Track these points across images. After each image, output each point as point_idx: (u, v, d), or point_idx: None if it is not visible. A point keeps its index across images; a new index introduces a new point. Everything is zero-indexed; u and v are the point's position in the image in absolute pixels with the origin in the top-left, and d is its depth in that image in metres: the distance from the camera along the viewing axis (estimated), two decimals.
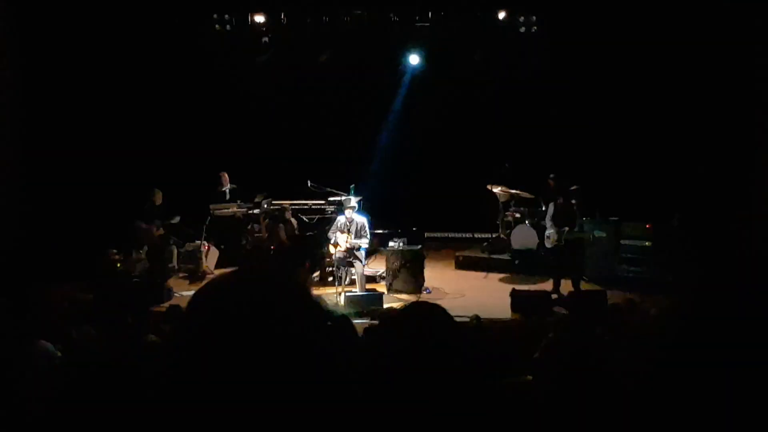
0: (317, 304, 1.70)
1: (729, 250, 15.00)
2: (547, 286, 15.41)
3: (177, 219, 17.06)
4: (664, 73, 17.47)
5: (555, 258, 15.62)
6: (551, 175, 16.95)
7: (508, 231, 18.10)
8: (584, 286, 15.60)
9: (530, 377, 4.97)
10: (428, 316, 2.37)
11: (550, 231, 15.56)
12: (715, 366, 2.36)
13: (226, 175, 18.54)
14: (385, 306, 14.10)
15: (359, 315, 13.66)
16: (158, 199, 17.04)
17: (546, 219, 15.82)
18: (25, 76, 17.63)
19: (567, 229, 15.27)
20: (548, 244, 15.66)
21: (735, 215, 15.96)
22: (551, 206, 15.69)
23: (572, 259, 15.41)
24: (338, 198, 17.57)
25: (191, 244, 17.57)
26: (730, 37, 16.45)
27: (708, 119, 17.01)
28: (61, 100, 17.70)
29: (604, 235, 16.29)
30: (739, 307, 2.54)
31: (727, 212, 15.99)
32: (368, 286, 15.83)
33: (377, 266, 17.37)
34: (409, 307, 2.48)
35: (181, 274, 17.12)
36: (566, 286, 15.26)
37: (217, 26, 19.65)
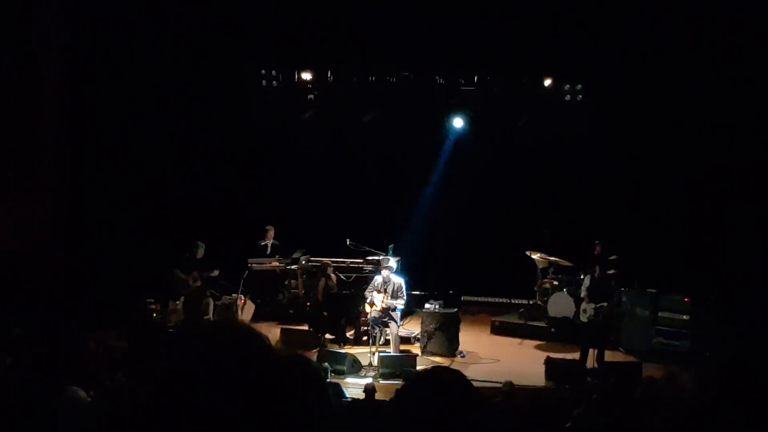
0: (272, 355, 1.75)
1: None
2: None
3: (216, 273, 17.05)
4: (711, 143, 17.30)
5: (587, 330, 15.38)
6: (597, 241, 16.78)
7: (546, 298, 17.94)
8: (620, 357, 15.45)
9: None
10: (445, 381, 2.34)
11: (585, 306, 15.27)
12: None
13: (273, 231, 18.64)
14: (418, 368, 14.00)
15: (392, 376, 13.63)
16: (200, 252, 16.98)
17: (582, 289, 15.64)
18: (72, 125, 17.80)
19: (605, 305, 15.02)
20: (583, 318, 15.36)
21: None
22: (587, 278, 15.47)
23: (603, 333, 15.17)
24: (376, 258, 17.57)
25: (228, 297, 17.59)
26: None
27: (754, 191, 16.82)
28: (105, 149, 17.87)
29: (647, 313, 16.23)
30: None
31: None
32: (402, 347, 15.72)
33: (412, 327, 17.28)
34: (426, 372, 2.47)
35: None
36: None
37: (263, 82, 19.89)
